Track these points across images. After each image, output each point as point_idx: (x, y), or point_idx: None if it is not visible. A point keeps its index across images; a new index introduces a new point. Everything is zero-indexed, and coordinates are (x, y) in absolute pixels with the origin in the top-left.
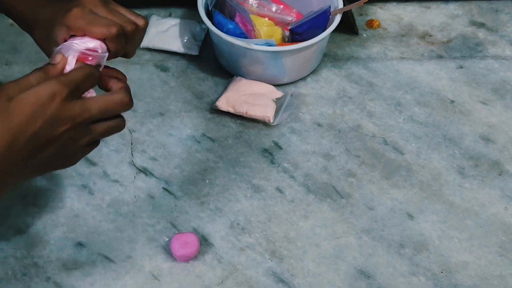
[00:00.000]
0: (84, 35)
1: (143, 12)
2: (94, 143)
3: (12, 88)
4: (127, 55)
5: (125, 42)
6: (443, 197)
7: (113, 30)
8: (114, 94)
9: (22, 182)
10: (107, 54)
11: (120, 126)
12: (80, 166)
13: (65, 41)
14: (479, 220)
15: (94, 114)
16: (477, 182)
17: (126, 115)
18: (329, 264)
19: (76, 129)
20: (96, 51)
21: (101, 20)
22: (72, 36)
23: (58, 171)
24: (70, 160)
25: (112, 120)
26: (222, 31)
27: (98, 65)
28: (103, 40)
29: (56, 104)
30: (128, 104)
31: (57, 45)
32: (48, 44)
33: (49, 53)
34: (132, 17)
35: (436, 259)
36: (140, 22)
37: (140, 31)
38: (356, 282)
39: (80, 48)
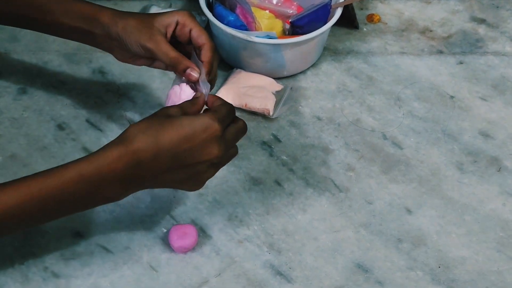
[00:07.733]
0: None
1: (144, 2)
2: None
3: (173, 109)
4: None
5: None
6: (441, 192)
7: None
8: (238, 123)
9: (142, 189)
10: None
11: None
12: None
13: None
14: (477, 215)
15: (228, 158)
16: (476, 178)
17: (125, 106)
18: (327, 258)
19: (210, 167)
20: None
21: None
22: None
23: (52, 157)
24: (195, 186)
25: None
26: (222, 23)
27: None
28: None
29: (205, 136)
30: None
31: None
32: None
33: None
34: None
35: (433, 254)
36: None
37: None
38: (353, 276)
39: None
